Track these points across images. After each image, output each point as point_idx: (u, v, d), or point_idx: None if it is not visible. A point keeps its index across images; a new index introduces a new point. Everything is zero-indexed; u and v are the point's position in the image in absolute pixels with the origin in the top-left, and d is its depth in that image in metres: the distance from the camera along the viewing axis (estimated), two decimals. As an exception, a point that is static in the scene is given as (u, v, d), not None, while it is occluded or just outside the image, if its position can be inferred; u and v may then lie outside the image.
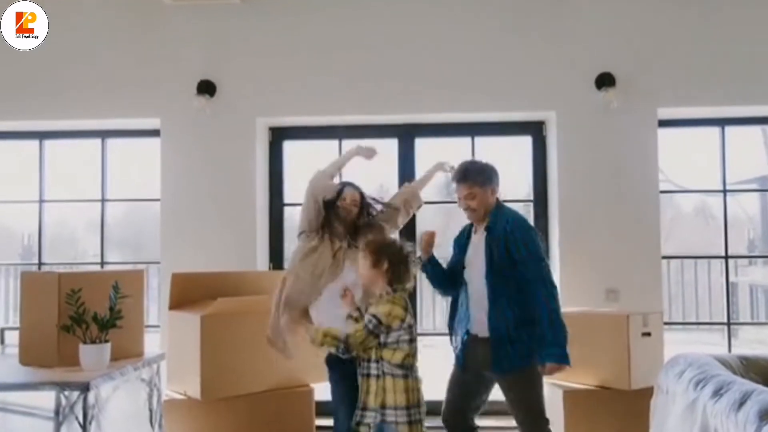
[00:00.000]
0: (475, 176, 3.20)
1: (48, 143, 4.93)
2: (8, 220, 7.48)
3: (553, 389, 3.83)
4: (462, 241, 3.32)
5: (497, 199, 3.25)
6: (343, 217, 3.32)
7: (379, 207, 3.52)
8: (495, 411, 3.47)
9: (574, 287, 4.21)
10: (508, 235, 3.07)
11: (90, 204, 4.99)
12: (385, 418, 2.81)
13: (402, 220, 3.66)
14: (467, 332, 3.14)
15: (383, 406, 2.82)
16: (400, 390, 2.84)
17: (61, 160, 5.17)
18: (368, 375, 2.88)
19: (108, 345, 3.05)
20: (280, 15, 4.57)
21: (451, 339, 3.29)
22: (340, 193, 3.36)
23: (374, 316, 2.84)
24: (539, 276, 3.01)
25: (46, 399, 3.06)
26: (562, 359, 2.96)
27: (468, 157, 4.64)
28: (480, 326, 3.09)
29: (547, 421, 3.10)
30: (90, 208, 5.04)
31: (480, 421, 3.28)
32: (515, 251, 3.03)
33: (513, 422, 3.17)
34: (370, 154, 3.67)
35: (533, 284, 3.00)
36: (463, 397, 3.20)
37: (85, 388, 2.75)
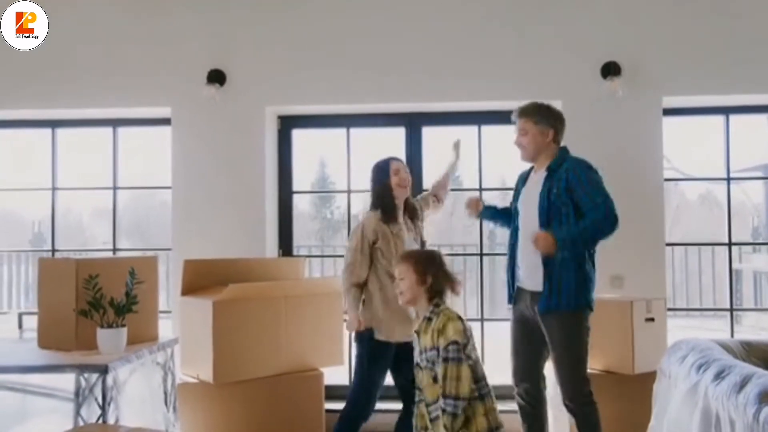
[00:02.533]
0: (532, 113, 3.21)
1: (60, 131, 4.99)
2: (18, 208, 7.59)
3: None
4: (518, 186, 3.37)
5: (563, 146, 3.27)
6: (398, 197, 3.48)
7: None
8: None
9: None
10: (564, 181, 3.09)
11: (96, 192, 5.02)
12: None
13: (432, 207, 3.80)
14: (517, 287, 3.22)
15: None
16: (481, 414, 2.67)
17: (71, 148, 5.24)
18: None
19: (125, 329, 3.13)
20: (289, 4, 4.61)
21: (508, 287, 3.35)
22: (388, 168, 3.51)
23: (453, 342, 2.59)
24: (598, 201, 3.07)
25: (63, 381, 3.15)
26: (556, 236, 3.00)
27: (474, 146, 4.74)
28: (527, 275, 3.16)
29: (588, 381, 3.18)
30: (96, 195, 5.08)
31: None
32: (580, 191, 3.07)
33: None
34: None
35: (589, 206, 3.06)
36: (528, 346, 3.26)
37: (104, 370, 2.83)
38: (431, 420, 2.68)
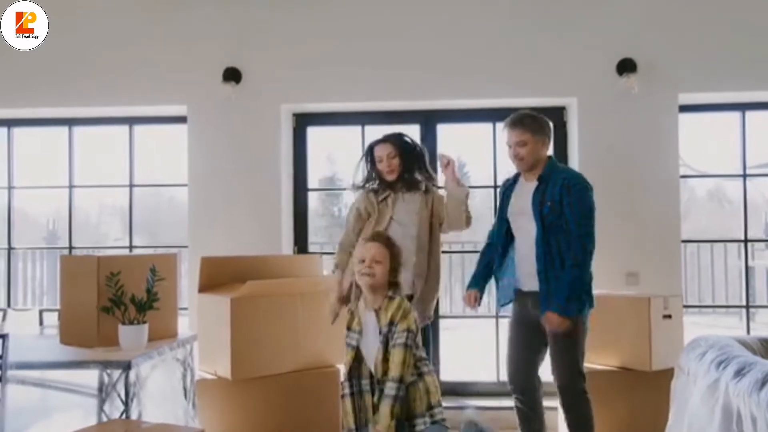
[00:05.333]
0: (530, 123, 3.19)
1: (76, 129, 5.03)
2: (32, 205, 7.62)
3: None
4: (505, 194, 3.36)
5: (550, 156, 3.27)
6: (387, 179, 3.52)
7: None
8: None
9: (595, 270, 4.25)
10: (563, 192, 3.10)
11: (107, 189, 5.05)
12: (434, 418, 2.83)
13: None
14: (516, 289, 3.23)
15: (430, 407, 2.84)
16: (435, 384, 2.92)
17: (87, 146, 5.28)
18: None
19: (146, 326, 3.15)
20: (305, 2, 4.62)
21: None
22: (371, 155, 3.57)
23: (411, 331, 2.83)
24: (581, 232, 3.08)
25: (84, 377, 3.17)
26: (562, 311, 3.03)
27: (489, 143, 4.74)
28: (527, 279, 3.17)
29: (583, 377, 3.19)
30: (107, 193, 5.10)
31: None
32: (569, 211, 3.08)
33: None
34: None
35: (574, 237, 3.07)
36: (525, 350, 3.27)
37: (126, 366, 2.85)
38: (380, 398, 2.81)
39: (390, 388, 2.77)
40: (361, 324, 2.92)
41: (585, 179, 3.23)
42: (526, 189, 3.24)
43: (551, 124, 3.35)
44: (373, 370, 2.84)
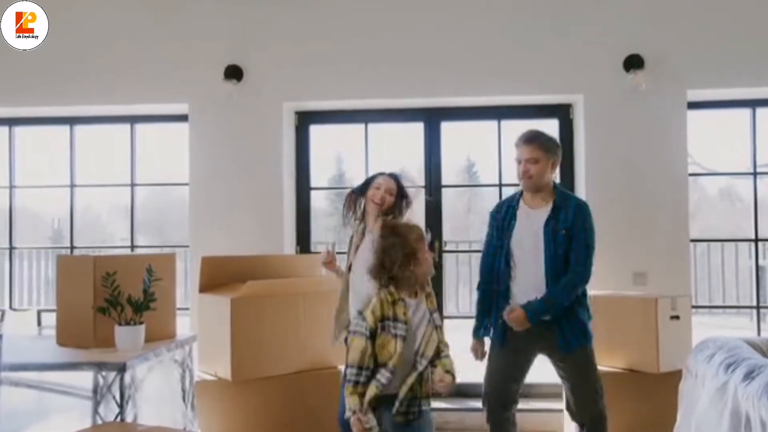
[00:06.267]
0: (543, 141, 3.10)
1: (78, 128, 5.00)
2: (38, 205, 7.63)
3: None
4: (505, 220, 3.18)
5: (554, 181, 3.17)
6: (369, 211, 3.22)
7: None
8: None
9: (601, 270, 4.15)
10: (571, 222, 3.02)
11: (114, 189, 5.04)
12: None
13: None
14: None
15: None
16: None
17: (90, 145, 5.26)
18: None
19: (142, 327, 3.11)
20: (307, 0, 4.58)
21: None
22: (371, 180, 3.25)
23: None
24: (581, 260, 3.02)
25: (81, 378, 3.13)
26: (530, 315, 2.97)
27: (494, 141, 4.68)
28: None
29: (603, 394, 3.11)
30: (115, 192, 5.09)
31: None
32: (575, 240, 3.01)
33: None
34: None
35: (573, 263, 3.01)
36: (510, 375, 3.16)
37: (121, 368, 2.80)
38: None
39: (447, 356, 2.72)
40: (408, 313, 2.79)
41: (588, 207, 3.16)
42: (534, 215, 3.11)
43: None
44: (418, 354, 2.73)
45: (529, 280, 3.05)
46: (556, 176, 3.24)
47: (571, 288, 3.01)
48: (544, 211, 3.09)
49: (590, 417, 3.10)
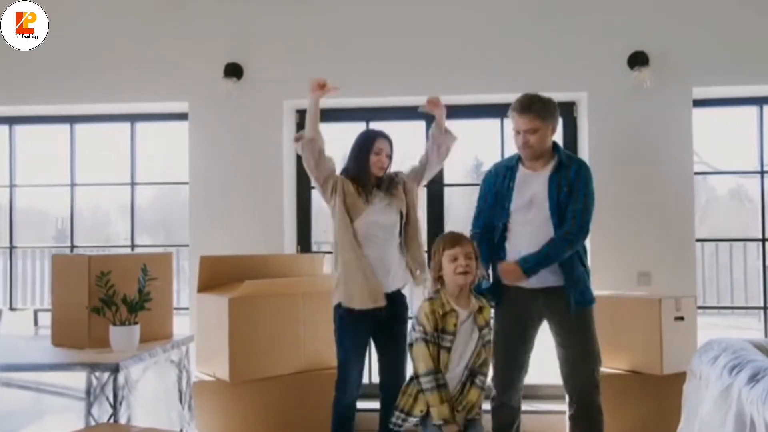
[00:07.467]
0: (540, 109, 3.02)
1: (78, 127, 4.98)
2: (42, 204, 7.64)
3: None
4: (504, 184, 3.12)
5: (554, 142, 3.13)
6: (373, 173, 3.27)
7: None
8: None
9: (605, 270, 4.14)
10: (572, 179, 3.00)
11: (121, 188, 5.03)
12: None
13: (430, 172, 3.57)
14: (515, 288, 3.02)
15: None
16: None
17: (91, 144, 5.24)
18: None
19: (137, 327, 3.08)
20: (307, -3, 4.55)
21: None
22: (371, 144, 3.28)
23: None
24: (578, 213, 3.00)
25: (76, 379, 3.11)
26: (522, 264, 2.94)
27: (497, 140, 4.63)
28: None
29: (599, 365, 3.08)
30: (122, 192, 5.08)
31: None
32: (573, 194, 2.99)
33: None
34: (332, 92, 3.52)
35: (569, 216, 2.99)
36: (520, 360, 3.11)
37: (114, 369, 2.78)
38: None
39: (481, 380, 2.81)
40: (457, 325, 2.76)
41: (589, 168, 3.17)
42: (535, 178, 3.07)
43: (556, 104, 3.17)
44: (462, 368, 2.76)
45: (525, 244, 3.01)
46: (558, 136, 3.21)
47: (567, 241, 2.97)
48: (545, 171, 3.06)
49: (583, 385, 3.03)
